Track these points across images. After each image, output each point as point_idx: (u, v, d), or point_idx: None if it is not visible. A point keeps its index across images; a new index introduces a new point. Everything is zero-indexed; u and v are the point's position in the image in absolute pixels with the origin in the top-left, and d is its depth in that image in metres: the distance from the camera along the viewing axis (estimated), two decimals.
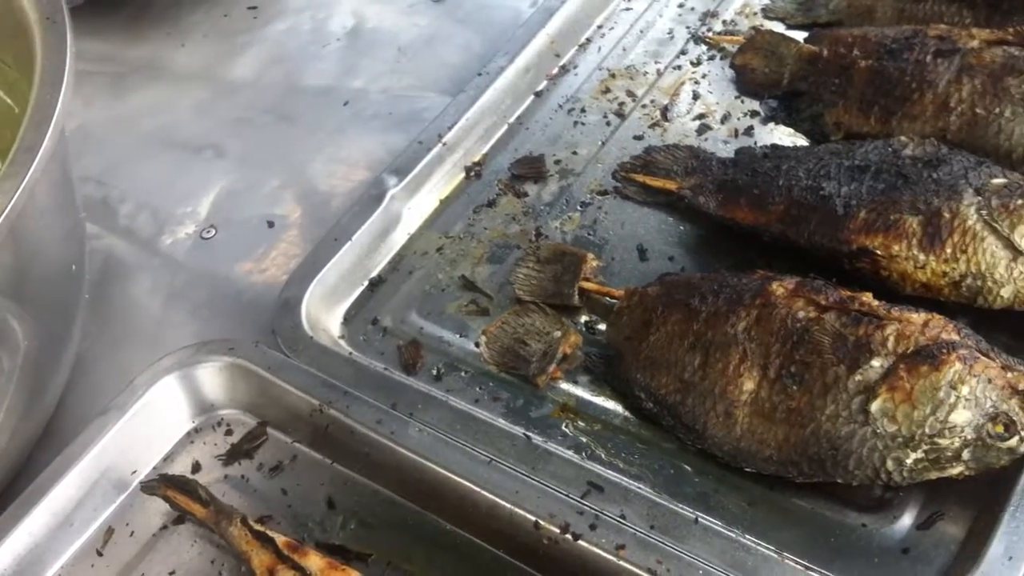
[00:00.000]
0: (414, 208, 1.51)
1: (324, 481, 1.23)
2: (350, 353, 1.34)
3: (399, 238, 1.49)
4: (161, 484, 1.18)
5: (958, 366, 1.04)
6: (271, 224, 1.56)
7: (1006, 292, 1.15)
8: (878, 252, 1.20)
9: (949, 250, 1.17)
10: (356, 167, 1.62)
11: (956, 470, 1.05)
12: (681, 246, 1.41)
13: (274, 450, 1.27)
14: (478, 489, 1.14)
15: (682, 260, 1.39)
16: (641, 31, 1.71)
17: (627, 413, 1.25)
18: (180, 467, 1.26)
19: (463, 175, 1.56)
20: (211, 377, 1.29)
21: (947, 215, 1.18)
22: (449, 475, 1.15)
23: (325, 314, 1.39)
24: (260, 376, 1.27)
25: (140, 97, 1.84)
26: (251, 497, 1.23)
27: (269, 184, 1.63)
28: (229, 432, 1.29)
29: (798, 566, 1.05)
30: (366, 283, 1.44)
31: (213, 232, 1.57)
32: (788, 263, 1.27)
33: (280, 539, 1.09)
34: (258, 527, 1.12)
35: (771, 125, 1.52)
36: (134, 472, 1.24)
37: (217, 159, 1.70)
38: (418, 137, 1.55)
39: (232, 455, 1.27)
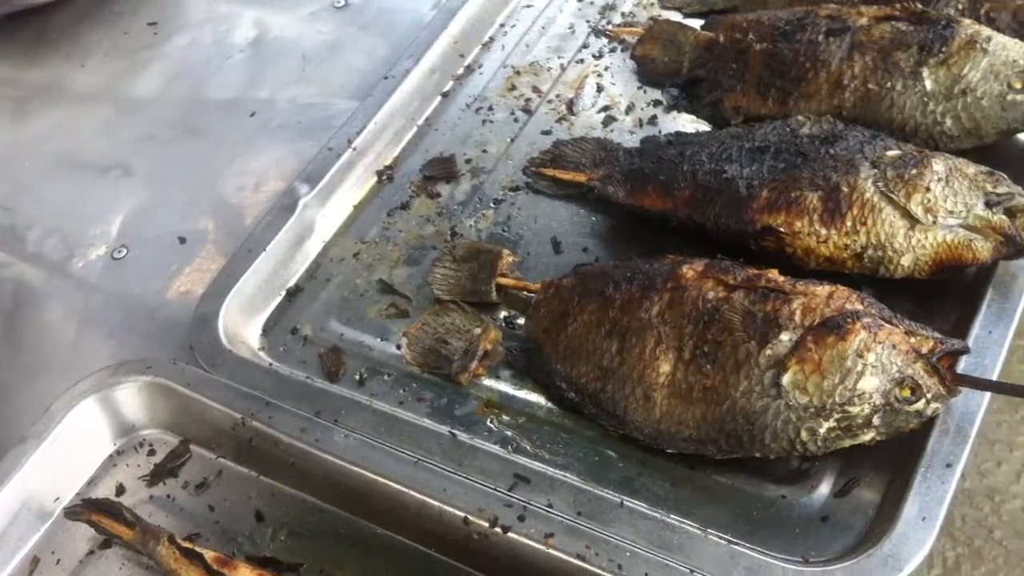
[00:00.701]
0: (328, 215, 1.50)
1: (251, 494, 1.22)
2: (270, 364, 1.33)
3: (314, 246, 1.48)
4: (85, 509, 1.17)
5: (863, 334, 1.07)
6: (183, 240, 1.55)
7: (906, 261, 1.19)
8: (782, 229, 1.24)
9: (849, 223, 1.20)
10: (267, 177, 1.61)
11: (868, 436, 1.08)
12: (594, 236, 1.43)
13: (199, 467, 1.26)
14: (406, 490, 1.14)
15: (596, 250, 1.41)
16: (543, 27, 1.73)
17: (550, 404, 1.26)
18: (104, 491, 1.24)
19: (375, 179, 1.57)
20: (130, 398, 1.28)
21: (845, 189, 1.21)
22: (377, 478, 1.16)
23: (243, 327, 1.38)
24: (180, 393, 1.26)
25: (42, 120, 1.81)
26: (178, 516, 1.22)
27: (179, 200, 1.62)
28: (152, 452, 1.28)
29: (722, 540, 1.07)
30: (283, 293, 1.44)
31: (125, 252, 1.55)
32: (698, 247, 1.30)
33: (209, 555, 1.09)
34: (186, 545, 1.11)
35: (674, 113, 1.55)
36: (57, 499, 1.23)
37: (125, 178, 1.68)
38: (327, 144, 1.55)
39: (156, 475, 1.25)
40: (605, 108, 1.58)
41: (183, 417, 1.27)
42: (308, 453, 1.19)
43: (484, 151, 1.57)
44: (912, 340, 1.08)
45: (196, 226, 1.57)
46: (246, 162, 1.65)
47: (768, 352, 1.11)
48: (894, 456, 1.12)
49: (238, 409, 1.24)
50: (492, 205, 1.50)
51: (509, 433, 1.23)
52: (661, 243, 1.37)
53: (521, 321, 1.35)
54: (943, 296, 1.24)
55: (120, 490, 1.24)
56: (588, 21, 1.71)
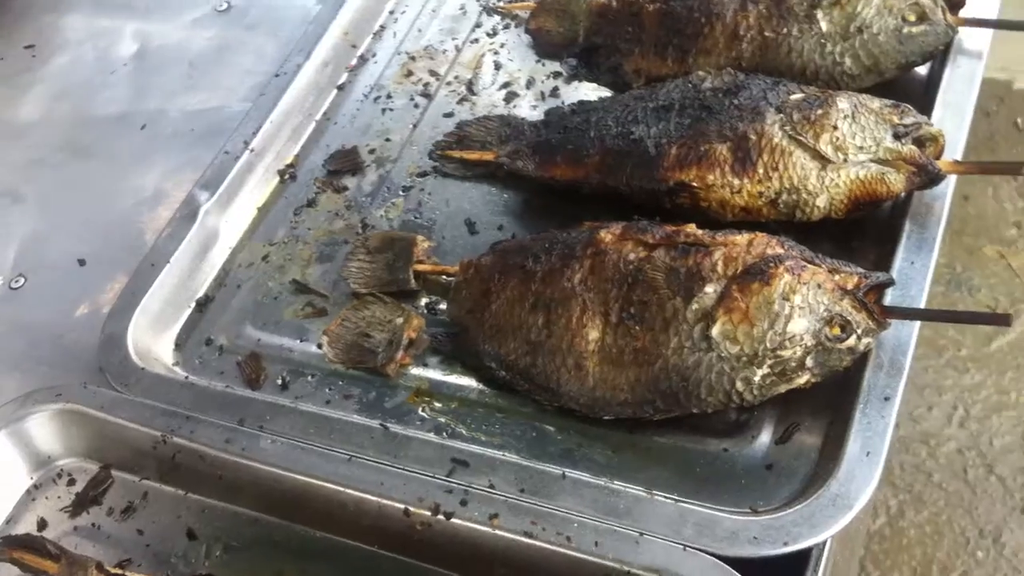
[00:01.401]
0: (231, 221, 1.45)
1: (181, 513, 1.17)
2: (187, 378, 1.28)
3: (220, 253, 1.43)
4: (6, 547, 1.10)
5: (787, 277, 1.07)
6: (83, 263, 1.48)
7: (821, 202, 1.19)
8: (694, 184, 1.22)
9: (761, 170, 1.20)
10: (164, 189, 1.55)
11: (803, 379, 1.07)
12: (508, 214, 1.40)
13: (123, 492, 1.20)
14: (342, 488, 1.10)
15: (511, 227, 1.38)
16: (433, 10, 1.70)
17: (481, 386, 1.23)
18: (24, 527, 1.18)
19: (277, 179, 1.52)
20: (42, 428, 1.21)
21: (753, 137, 1.20)
22: (310, 480, 1.12)
23: (154, 343, 1.33)
24: (94, 417, 1.20)
25: None
26: (106, 544, 1.16)
27: (75, 222, 1.55)
28: (72, 482, 1.22)
29: (668, 500, 1.06)
30: (193, 304, 1.38)
31: (22, 281, 1.48)
32: (613, 212, 1.28)
33: None
34: (116, 571, 1.06)
35: (575, 83, 1.53)
36: None
37: (15, 205, 1.60)
38: (224, 147, 1.50)
39: (78, 505, 1.19)
40: (505, 85, 1.55)
41: (101, 442, 1.21)
42: (236, 464, 1.15)
43: (387, 140, 1.53)
44: (837, 278, 1.08)
45: (95, 247, 1.50)
46: (141, 176, 1.59)
47: (695, 306, 1.09)
48: (831, 397, 1.11)
49: (157, 427, 1.18)
50: (401, 193, 1.46)
51: (443, 420, 1.20)
52: (576, 212, 1.34)
53: (443, 306, 1.32)
54: (861, 236, 1.24)
55: (42, 524, 1.18)
56: (478, 0, 1.68)
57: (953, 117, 1.25)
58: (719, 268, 1.10)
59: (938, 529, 1.98)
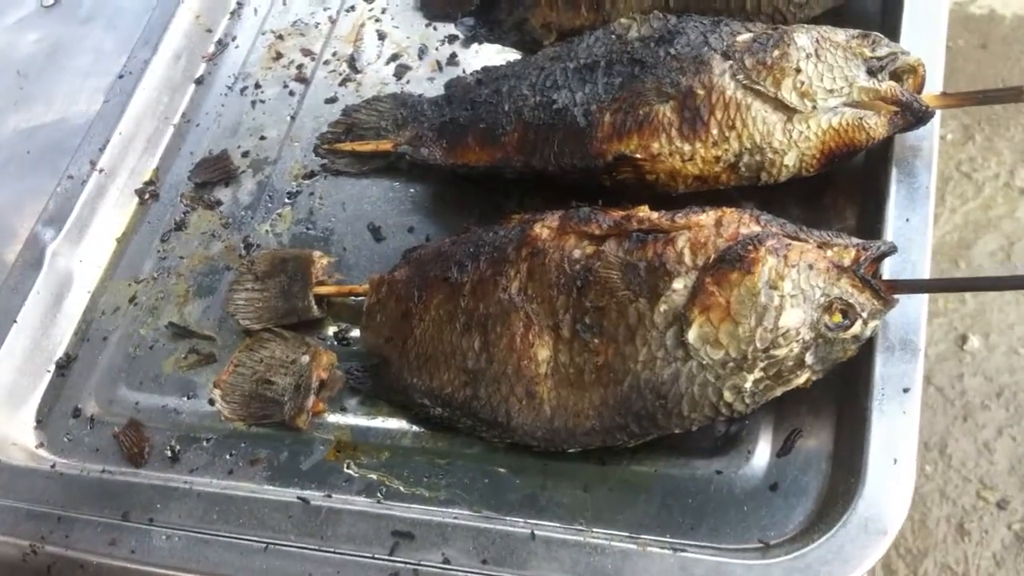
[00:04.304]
0: (87, 258, 1.22)
1: None
2: (54, 464, 1.06)
3: (78, 301, 1.21)
4: None
5: (771, 261, 0.88)
6: None
7: (790, 159, 1.00)
8: (637, 156, 1.02)
9: (715, 130, 1.00)
10: (1, 229, 1.29)
11: (802, 378, 0.89)
12: (418, 211, 1.19)
13: None
14: None
15: (424, 228, 1.17)
16: None
17: (415, 428, 1.04)
18: None
19: (136, 201, 1.29)
20: None
21: (701, 91, 1.01)
22: None
23: (9, 423, 1.11)
24: None
25: None
26: None
27: None
28: None
29: (664, 550, 0.87)
30: (52, 368, 1.16)
31: None
32: (544, 199, 1.09)
33: None
34: None
35: (475, 46, 1.31)
36: None
37: None
38: (67, 170, 1.26)
39: None
40: (394, 57, 1.33)
41: None
42: (125, 571, 0.94)
43: (262, 138, 1.30)
44: (829, 253, 0.89)
45: None
46: None
47: (663, 307, 0.90)
48: (832, 389, 0.94)
49: (24, 534, 0.99)
50: (287, 201, 1.24)
51: (374, 477, 1.00)
52: (498, 202, 1.16)
53: (356, 333, 1.10)
54: (833, 191, 1.07)
55: None
56: None
57: (926, 40, 1.06)
58: (686, 258, 0.90)
59: None
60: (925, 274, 0.93)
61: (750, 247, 0.89)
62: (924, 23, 1.08)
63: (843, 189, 1.06)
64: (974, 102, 0.98)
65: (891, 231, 0.96)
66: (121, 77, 1.33)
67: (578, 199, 1.01)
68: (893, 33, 1.08)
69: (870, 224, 0.99)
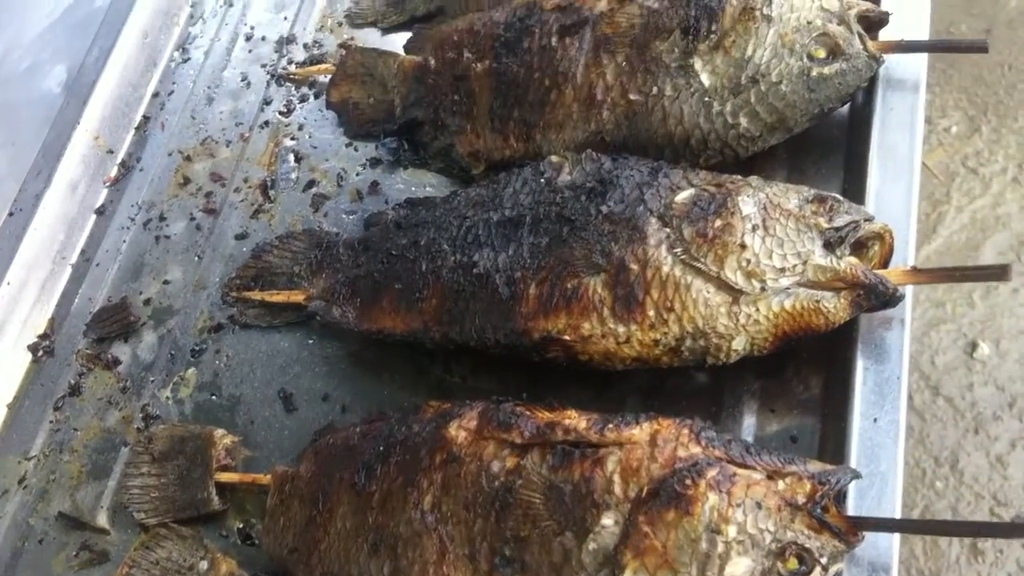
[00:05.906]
0: None
1: None
2: None
3: None
4: None
5: (712, 499, 0.75)
6: None
7: (738, 344, 0.87)
8: (566, 337, 0.89)
9: (652, 312, 0.87)
10: None
11: None
12: (334, 375, 1.06)
13: None
14: None
15: (340, 395, 1.05)
16: (209, 87, 1.30)
17: None
18: None
19: (29, 358, 1.15)
20: None
21: (634, 266, 0.87)
22: None
23: None
24: None
25: None
26: None
27: None
28: None
29: None
30: None
31: None
32: (470, 363, 0.96)
33: None
34: None
35: (399, 172, 1.17)
36: None
37: None
38: None
39: None
40: (310, 184, 1.19)
41: None
42: None
43: (165, 283, 1.17)
44: (781, 487, 0.76)
45: None
46: None
47: (591, 546, 0.77)
48: None
49: None
50: (191, 359, 1.11)
51: None
52: (422, 366, 1.02)
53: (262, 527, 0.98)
54: (796, 358, 0.93)
55: None
56: (264, 65, 1.30)
57: (893, 187, 0.92)
58: (616, 487, 0.78)
59: None
60: (897, 489, 0.80)
61: (688, 481, 0.76)
62: (893, 160, 0.94)
63: (807, 356, 0.93)
64: (952, 279, 0.85)
65: (856, 435, 0.82)
66: (11, 215, 1.20)
67: (505, 361, 0.90)
68: (861, 162, 0.95)
69: (835, 408, 0.86)
